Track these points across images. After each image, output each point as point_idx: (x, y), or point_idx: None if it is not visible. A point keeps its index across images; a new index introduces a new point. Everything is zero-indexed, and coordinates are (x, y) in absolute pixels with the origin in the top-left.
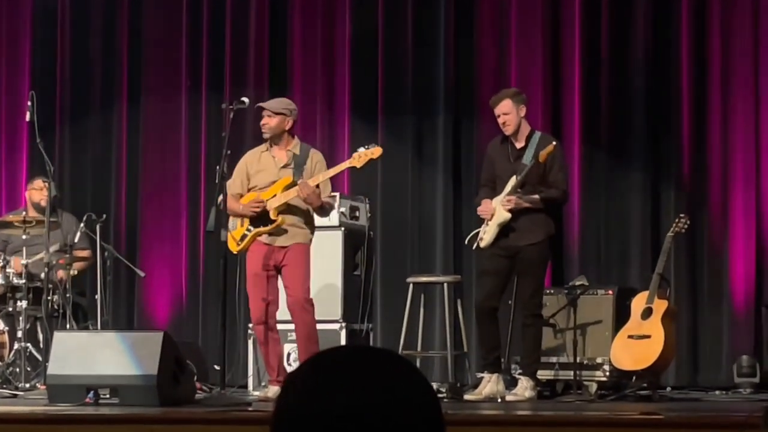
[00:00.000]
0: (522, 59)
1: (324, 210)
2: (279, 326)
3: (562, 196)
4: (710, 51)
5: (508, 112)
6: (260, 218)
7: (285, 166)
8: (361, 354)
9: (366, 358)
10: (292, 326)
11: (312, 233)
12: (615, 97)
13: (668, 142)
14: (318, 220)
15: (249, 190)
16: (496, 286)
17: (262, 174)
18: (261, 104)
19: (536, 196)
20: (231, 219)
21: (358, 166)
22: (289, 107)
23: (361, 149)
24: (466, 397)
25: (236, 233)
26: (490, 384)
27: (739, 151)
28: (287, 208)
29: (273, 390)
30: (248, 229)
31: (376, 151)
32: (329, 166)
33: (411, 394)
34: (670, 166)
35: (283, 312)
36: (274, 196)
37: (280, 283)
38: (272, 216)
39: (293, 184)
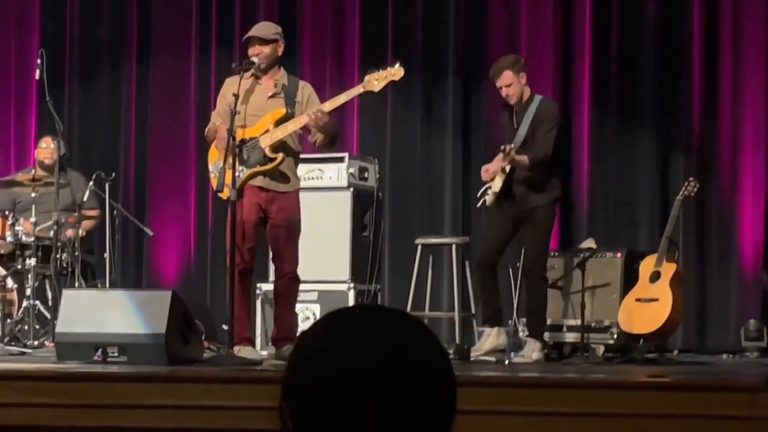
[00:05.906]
0: (532, 21)
1: (335, 140)
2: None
3: (542, 157)
4: (721, 14)
5: (510, 83)
6: (253, 157)
7: (274, 96)
8: (374, 313)
9: (378, 318)
10: (308, 287)
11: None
12: (625, 61)
13: (678, 105)
14: (326, 182)
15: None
16: (497, 242)
17: (250, 102)
18: (250, 34)
19: (524, 157)
20: (213, 161)
21: (376, 90)
22: (278, 30)
23: (374, 72)
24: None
25: (227, 177)
26: (490, 338)
27: (748, 115)
28: (280, 146)
29: (247, 351)
30: (241, 170)
31: (397, 72)
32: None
33: (423, 353)
34: (680, 129)
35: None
36: (267, 131)
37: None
38: (268, 154)
39: (287, 117)
